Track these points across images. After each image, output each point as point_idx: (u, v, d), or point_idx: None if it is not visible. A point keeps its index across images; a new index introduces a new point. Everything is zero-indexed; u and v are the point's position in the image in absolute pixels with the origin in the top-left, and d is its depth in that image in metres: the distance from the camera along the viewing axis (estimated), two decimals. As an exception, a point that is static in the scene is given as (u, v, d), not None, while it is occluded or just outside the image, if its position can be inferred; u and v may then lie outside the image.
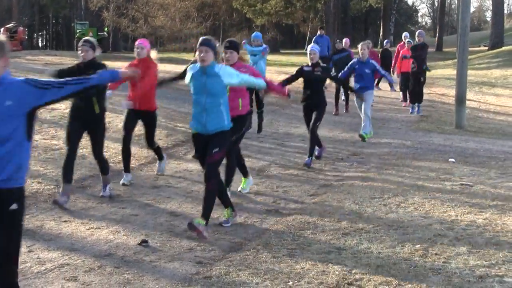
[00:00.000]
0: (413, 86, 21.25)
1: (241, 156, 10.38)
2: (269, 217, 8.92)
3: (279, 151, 13.98)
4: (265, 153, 13.65)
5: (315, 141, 12.49)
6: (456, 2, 70.15)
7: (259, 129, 15.14)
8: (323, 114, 12.67)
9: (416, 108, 21.35)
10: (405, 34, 24.73)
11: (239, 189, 10.28)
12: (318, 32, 29.73)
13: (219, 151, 7.95)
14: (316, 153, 12.80)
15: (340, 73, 15.34)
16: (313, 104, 12.51)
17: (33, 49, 68.36)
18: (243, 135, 9.96)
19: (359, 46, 15.37)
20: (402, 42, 23.87)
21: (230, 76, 8.00)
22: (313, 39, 27.25)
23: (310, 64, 12.54)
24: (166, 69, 29.14)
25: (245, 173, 10.43)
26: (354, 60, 15.49)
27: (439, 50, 58.94)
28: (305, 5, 53.35)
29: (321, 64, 12.63)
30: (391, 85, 16.64)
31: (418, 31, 21.57)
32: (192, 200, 9.75)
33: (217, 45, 8.09)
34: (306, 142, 14.88)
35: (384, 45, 29.96)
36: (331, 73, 12.98)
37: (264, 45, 16.67)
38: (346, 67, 15.34)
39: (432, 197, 9.83)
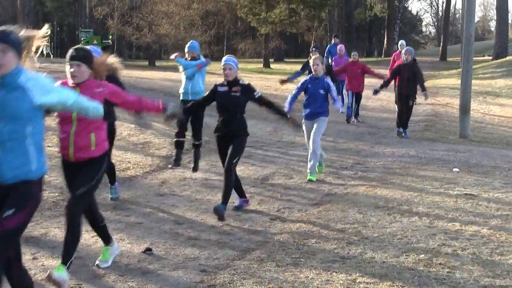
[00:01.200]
0: (400, 110, 18.04)
1: (99, 214, 7.27)
2: (273, 225, 8.92)
3: (283, 160, 13.99)
4: (269, 161, 13.66)
5: (231, 184, 9.24)
6: (461, 11, 70.13)
7: (195, 167, 12.25)
8: (243, 147, 9.56)
9: (404, 134, 17.86)
10: (401, 42, 23.59)
11: (97, 262, 7.22)
12: (332, 41, 26.08)
13: (15, 213, 5.04)
14: (237, 202, 9.84)
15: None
16: (230, 135, 9.45)
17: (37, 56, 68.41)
18: (97, 186, 6.79)
19: (311, 61, 12.56)
20: (398, 51, 22.75)
21: (45, 91, 5.24)
22: (327, 49, 25.66)
23: (225, 82, 9.55)
24: (170, 77, 29.21)
25: (106, 239, 7.31)
26: (306, 78, 12.52)
27: (443, 60, 58.97)
28: (310, 14, 53.39)
29: (242, 82, 9.57)
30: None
31: (406, 48, 18.32)
32: (196, 208, 9.76)
33: (23, 40, 5.31)
34: (310, 151, 14.90)
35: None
36: (256, 92, 9.53)
37: (203, 59, 12.76)
38: (296, 87, 12.55)
39: (437, 207, 9.82)
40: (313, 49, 19.97)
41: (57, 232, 8.32)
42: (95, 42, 54.99)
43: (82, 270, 6.95)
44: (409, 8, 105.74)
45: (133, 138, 14.95)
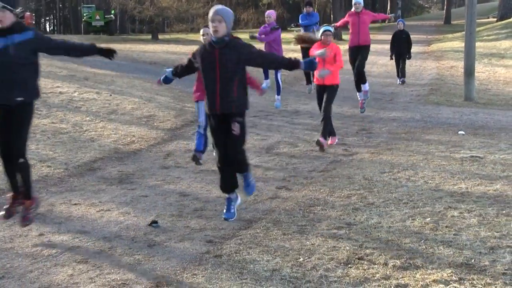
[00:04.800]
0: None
1: None
2: (278, 194, 8.91)
3: (288, 128, 13.95)
4: (274, 130, 13.63)
5: None
6: (464, -26, 69.67)
7: None
8: None
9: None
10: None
11: None
12: (304, 10, 20.41)
13: None
14: None
15: None
16: None
17: (40, 34, 68.45)
18: None
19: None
20: (353, 10, 15.91)
21: None
22: (300, 18, 20.27)
23: None
24: (174, 50, 29.15)
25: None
26: None
27: (448, 23, 58.62)
28: (312, -19, 52.97)
29: None
30: None
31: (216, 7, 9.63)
32: (201, 179, 9.76)
33: None
34: (315, 119, 14.87)
35: (397, 24, 23.25)
36: None
37: None
38: None
39: (442, 170, 9.79)
40: None
41: (63, 208, 8.34)
42: (97, 17, 54.95)
43: (88, 244, 6.96)
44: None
45: (137, 112, 14.93)
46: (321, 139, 11.65)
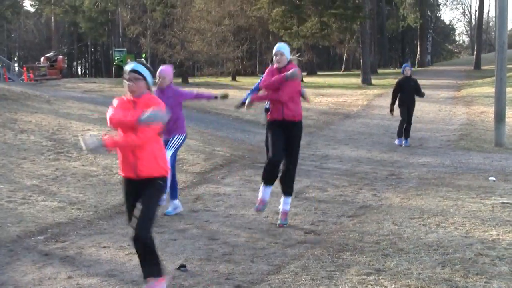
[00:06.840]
0: None
1: None
2: (307, 239, 8.87)
3: (317, 173, 13.93)
4: (303, 175, 13.61)
5: None
6: (494, 19, 69.54)
7: None
8: None
9: None
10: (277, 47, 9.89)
11: None
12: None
13: None
14: None
15: None
16: None
17: (72, 77, 69.50)
18: None
19: None
20: (274, 66, 9.68)
21: None
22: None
23: None
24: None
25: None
26: None
27: (478, 68, 58.58)
28: (341, 27, 53.25)
29: None
30: None
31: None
32: (230, 223, 9.75)
33: None
34: (344, 163, 14.85)
35: (402, 71, 18.88)
36: None
37: None
38: None
39: (473, 216, 9.71)
40: None
41: (92, 250, 8.36)
42: (128, 61, 55.75)
43: (117, 287, 6.97)
44: (442, 18, 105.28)
45: (167, 155, 14.99)
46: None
